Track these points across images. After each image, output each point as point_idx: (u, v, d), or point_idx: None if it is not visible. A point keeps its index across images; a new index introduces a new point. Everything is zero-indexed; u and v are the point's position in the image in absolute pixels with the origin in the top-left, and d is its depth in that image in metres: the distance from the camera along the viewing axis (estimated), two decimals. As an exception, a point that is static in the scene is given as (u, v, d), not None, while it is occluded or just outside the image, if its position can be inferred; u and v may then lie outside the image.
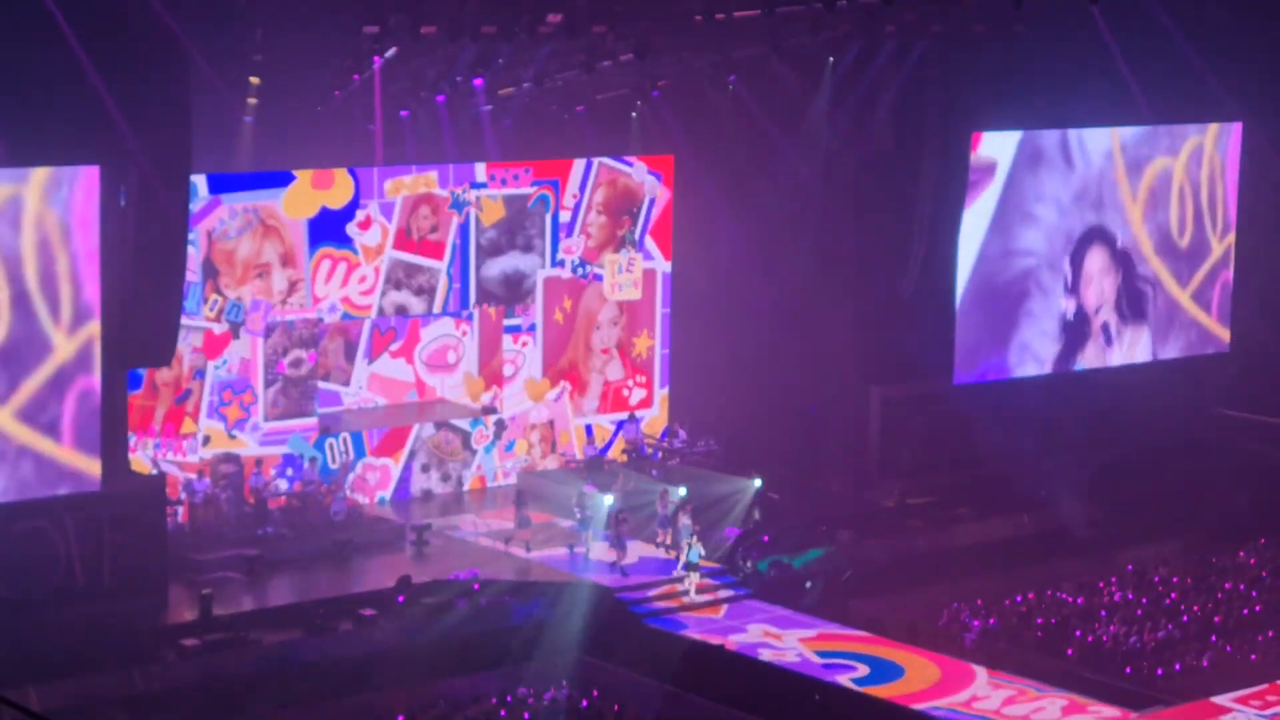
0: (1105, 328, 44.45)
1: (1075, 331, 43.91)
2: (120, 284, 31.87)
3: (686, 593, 34.45)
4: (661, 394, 42.72)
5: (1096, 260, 44.08)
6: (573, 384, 41.72)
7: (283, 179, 37.48)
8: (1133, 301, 44.87)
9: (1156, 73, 42.76)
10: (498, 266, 40.43)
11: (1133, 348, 44.88)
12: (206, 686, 30.13)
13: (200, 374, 36.95)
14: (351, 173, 38.18)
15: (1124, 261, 44.56)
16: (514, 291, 40.69)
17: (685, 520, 35.56)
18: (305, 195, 37.74)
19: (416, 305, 39.49)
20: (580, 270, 41.47)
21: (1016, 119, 42.24)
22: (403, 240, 39.02)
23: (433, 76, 37.37)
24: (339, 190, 38.12)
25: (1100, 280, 44.15)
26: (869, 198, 41.28)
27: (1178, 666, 32.30)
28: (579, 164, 41.02)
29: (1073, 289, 43.72)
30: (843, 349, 41.78)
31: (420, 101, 37.87)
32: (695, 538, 34.80)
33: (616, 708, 30.03)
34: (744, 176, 41.58)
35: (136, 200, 31.65)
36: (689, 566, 34.55)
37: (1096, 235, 44.07)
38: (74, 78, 30.27)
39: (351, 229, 38.36)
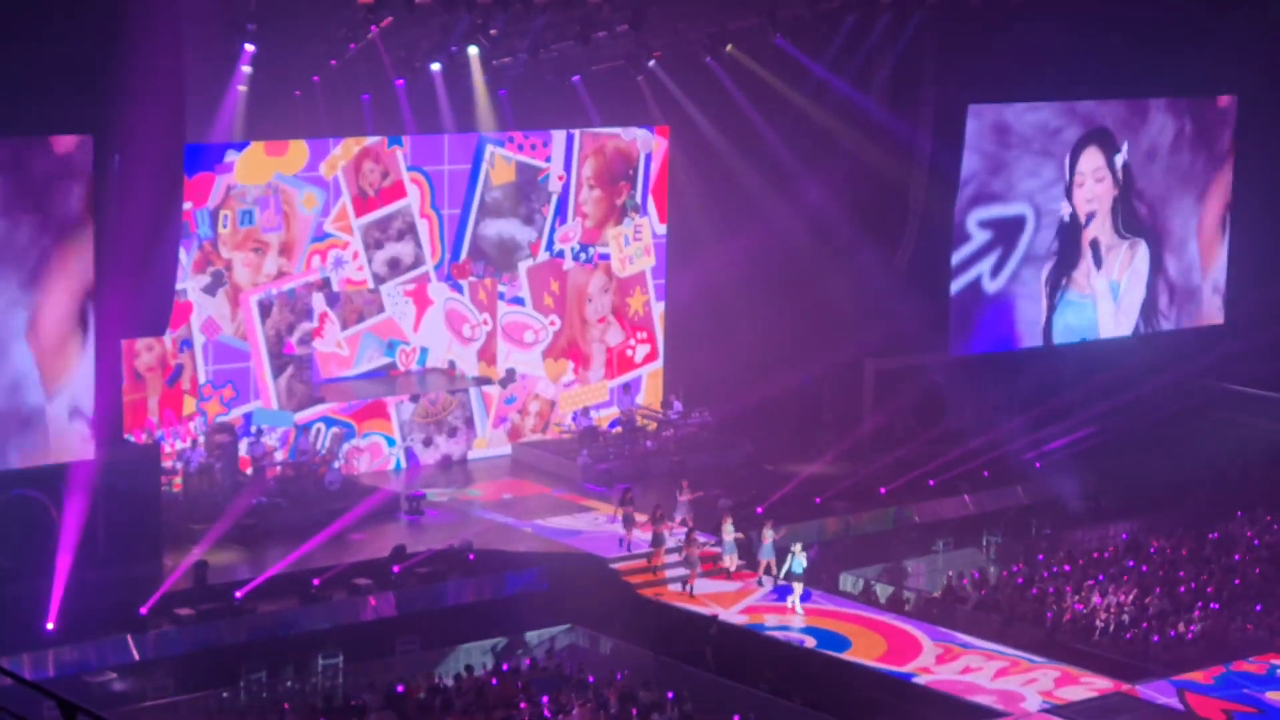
0: (1095, 245, 44.42)
1: (1066, 246, 43.83)
2: (114, 253, 31.79)
3: (792, 606, 33.14)
4: (654, 369, 42.72)
5: (1091, 160, 44.09)
6: (576, 361, 41.67)
7: (239, 145, 37.12)
8: (1129, 219, 44.93)
9: (1153, 45, 42.73)
10: (495, 228, 40.36)
11: (1124, 269, 44.84)
12: (201, 655, 30.17)
13: (187, 344, 36.85)
14: (310, 142, 37.92)
15: (1125, 174, 44.58)
16: (505, 258, 40.62)
17: (769, 537, 34.18)
18: (259, 162, 37.43)
19: (404, 252, 39.29)
20: (583, 255, 41.34)
21: (1012, 91, 42.17)
22: (361, 205, 38.75)
23: (428, 47, 37.31)
24: (292, 157, 37.82)
25: (1093, 184, 44.12)
26: (864, 170, 41.22)
27: (1172, 634, 32.35)
28: (559, 140, 40.80)
29: (1068, 192, 43.73)
30: (837, 322, 41.81)
31: (415, 72, 37.80)
32: (800, 547, 33.45)
33: (609, 677, 30.08)
34: (740, 147, 41.52)
35: (130, 169, 31.56)
36: (790, 576, 33.32)
37: (1096, 138, 44.12)
38: (67, 46, 30.18)
39: (327, 226, 38.27)
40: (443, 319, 40.60)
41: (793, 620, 32.60)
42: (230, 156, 36.86)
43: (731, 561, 34.41)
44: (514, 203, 40.36)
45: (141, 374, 36.31)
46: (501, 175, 40.14)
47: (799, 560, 33.16)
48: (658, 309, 42.60)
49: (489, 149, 39.79)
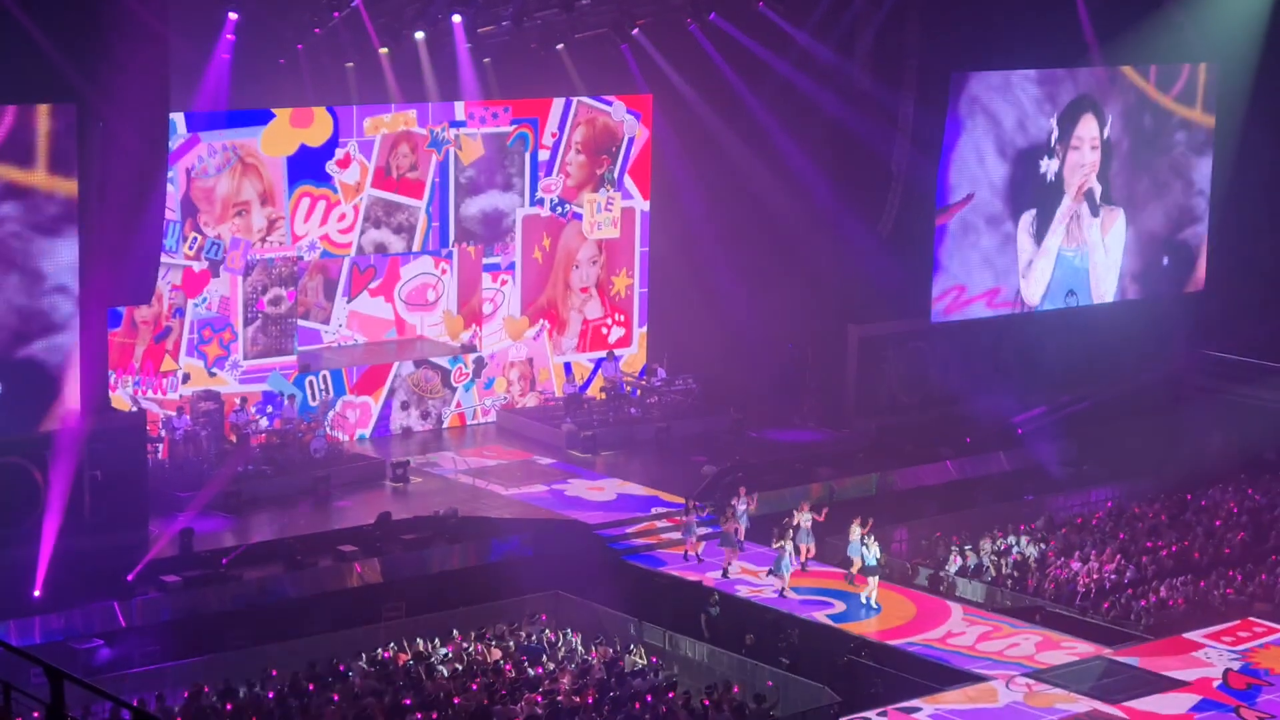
0: (1081, 211, 44.60)
1: (1047, 207, 44.02)
2: (99, 221, 31.80)
3: (868, 598, 32.10)
4: (640, 331, 42.87)
5: (1086, 128, 44.22)
6: (551, 322, 41.84)
7: (262, 117, 37.46)
8: (1111, 188, 45.10)
9: (1135, 11, 42.88)
10: (477, 205, 40.48)
11: (1106, 234, 44.97)
12: (187, 621, 30.30)
13: (180, 312, 37.06)
14: (330, 111, 38.14)
15: (1109, 146, 44.74)
16: (493, 230, 40.75)
17: (856, 534, 32.58)
18: (284, 133, 37.74)
19: (396, 243, 39.55)
20: (560, 209, 41.53)
21: (996, 59, 42.25)
22: (382, 178, 39.04)
23: (411, 14, 37.30)
24: (318, 128, 38.11)
25: (1086, 151, 44.29)
26: (848, 136, 41.26)
27: (1155, 600, 32.59)
28: (558, 103, 41.01)
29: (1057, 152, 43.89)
30: (821, 287, 41.94)
31: (400, 39, 37.79)
32: (872, 538, 32.51)
33: (593, 643, 30.24)
34: (723, 115, 41.58)
35: (115, 137, 31.55)
36: (866, 570, 32.35)
37: (1089, 106, 44.26)
38: (51, 14, 30.16)
39: (331, 167, 38.39)
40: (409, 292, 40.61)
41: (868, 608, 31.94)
42: (249, 128, 37.24)
43: (807, 552, 33.41)
44: (489, 175, 40.49)
45: (137, 324, 36.55)
46: (470, 153, 40.21)
47: (872, 551, 32.30)
48: (639, 294, 42.74)
49: (451, 134, 39.82)
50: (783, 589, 32.30)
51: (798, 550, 33.29)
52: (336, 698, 27.24)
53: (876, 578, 32.17)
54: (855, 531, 32.67)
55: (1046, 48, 42.61)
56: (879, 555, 32.34)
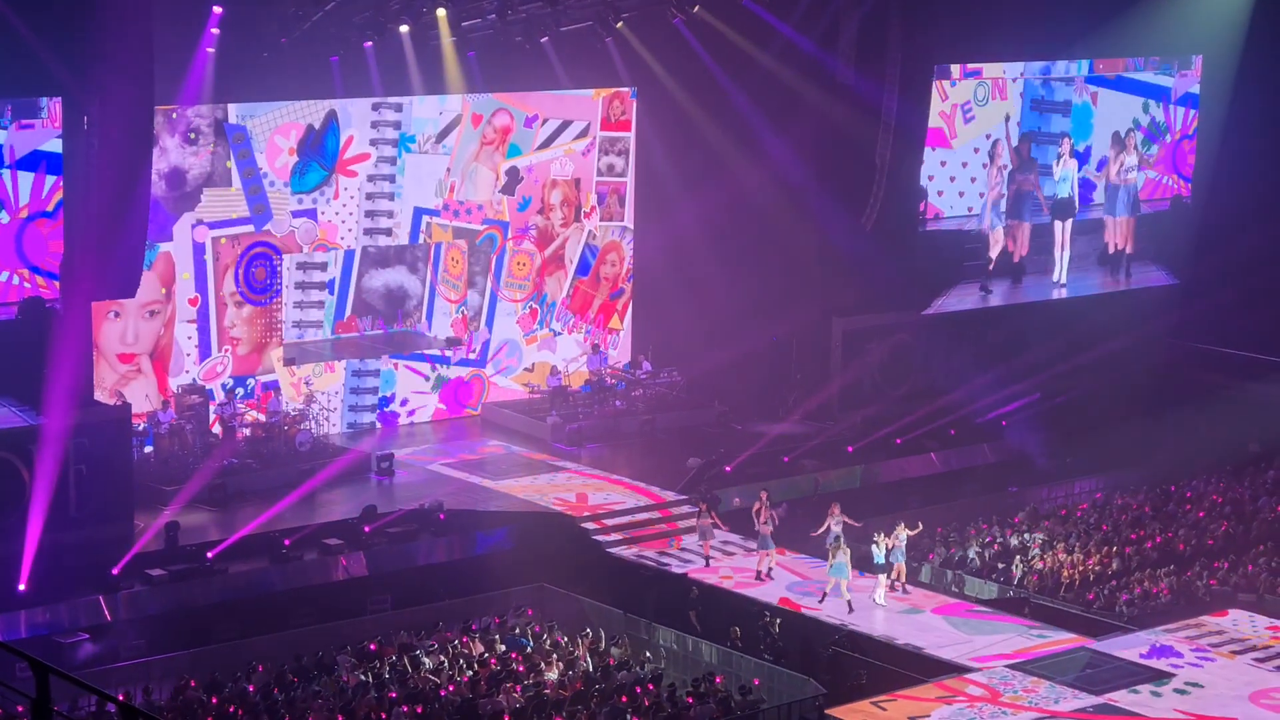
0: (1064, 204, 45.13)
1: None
2: (84, 214, 31.80)
3: (880, 598, 31.57)
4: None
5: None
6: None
7: None
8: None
9: (1122, 4, 42.98)
10: (381, 279, 40.63)
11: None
12: (173, 615, 30.31)
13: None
14: None
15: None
16: (396, 306, 40.81)
17: (902, 539, 32.13)
18: None
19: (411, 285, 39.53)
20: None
21: (978, 53, 42.31)
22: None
23: (396, 8, 37.27)
24: None
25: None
26: (831, 129, 41.29)
27: (1139, 591, 32.67)
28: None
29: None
30: (805, 281, 41.99)
31: (385, 33, 37.76)
32: (883, 538, 31.86)
33: (579, 635, 30.28)
34: (707, 108, 41.60)
35: (100, 130, 31.53)
36: (875, 568, 31.91)
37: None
38: (37, 8, 30.15)
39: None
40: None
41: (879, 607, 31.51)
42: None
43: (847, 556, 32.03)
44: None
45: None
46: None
47: (881, 550, 31.85)
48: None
49: (424, 220, 40.07)
50: (849, 599, 31.58)
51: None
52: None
53: (884, 575, 32.00)
54: (902, 535, 32.17)
55: (1030, 41, 42.68)
56: (884, 554, 32.04)
